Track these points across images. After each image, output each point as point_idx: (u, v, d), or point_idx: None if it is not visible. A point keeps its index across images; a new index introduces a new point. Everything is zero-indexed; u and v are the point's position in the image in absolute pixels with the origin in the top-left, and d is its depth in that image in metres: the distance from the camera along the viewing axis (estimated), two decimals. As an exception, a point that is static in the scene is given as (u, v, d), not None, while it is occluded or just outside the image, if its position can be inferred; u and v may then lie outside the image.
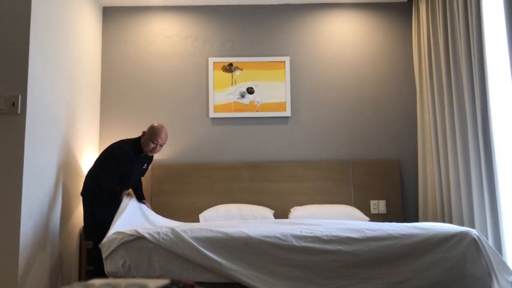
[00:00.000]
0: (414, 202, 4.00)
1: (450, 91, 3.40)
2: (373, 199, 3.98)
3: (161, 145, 3.23)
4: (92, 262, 3.27)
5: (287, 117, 4.15)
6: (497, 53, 2.90)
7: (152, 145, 3.17)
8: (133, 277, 2.39)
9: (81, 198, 3.72)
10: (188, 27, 4.28)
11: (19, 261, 2.62)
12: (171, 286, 0.84)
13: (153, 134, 3.17)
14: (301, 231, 2.49)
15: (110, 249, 2.50)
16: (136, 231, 2.53)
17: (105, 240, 2.59)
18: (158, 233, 2.48)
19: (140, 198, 3.41)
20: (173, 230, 2.49)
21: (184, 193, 3.97)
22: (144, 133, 3.25)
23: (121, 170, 3.14)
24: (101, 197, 3.10)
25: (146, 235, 2.47)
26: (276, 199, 3.95)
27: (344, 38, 4.27)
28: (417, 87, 3.99)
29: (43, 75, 2.97)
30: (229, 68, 4.18)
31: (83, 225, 3.30)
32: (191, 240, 2.41)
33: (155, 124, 3.24)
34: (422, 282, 2.33)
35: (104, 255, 2.55)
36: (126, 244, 2.47)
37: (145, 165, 3.35)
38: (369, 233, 2.46)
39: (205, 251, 2.37)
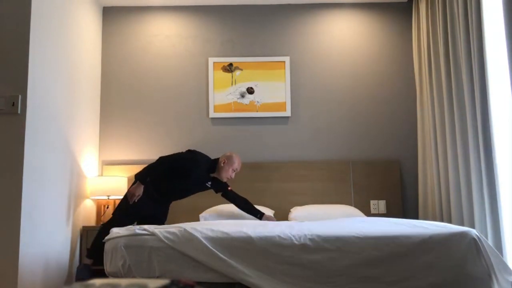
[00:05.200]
0: (414, 202, 4.00)
1: (450, 91, 3.40)
2: (373, 199, 3.98)
3: None
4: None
5: (287, 117, 4.15)
6: (497, 53, 2.90)
7: (233, 174, 3.33)
8: (133, 277, 2.39)
9: (81, 198, 3.72)
10: (188, 27, 4.27)
11: (19, 261, 2.62)
12: (171, 286, 0.84)
13: (235, 164, 3.31)
14: (301, 230, 2.49)
15: (115, 244, 2.49)
16: (145, 228, 2.53)
17: (109, 236, 2.59)
18: (168, 231, 2.49)
19: (256, 213, 3.40)
20: (185, 230, 2.49)
21: (184, 193, 3.96)
22: (224, 161, 3.27)
23: (181, 174, 3.19)
24: (146, 191, 3.12)
25: (157, 232, 2.47)
26: (276, 199, 3.94)
27: (344, 38, 4.27)
28: (417, 87, 3.99)
29: (43, 75, 2.97)
30: (229, 68, 4.18)
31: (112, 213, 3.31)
32: (203, 240, 2.41)
33: (235, 154, 3.35)
34: (422, 282, 2.32)
35: (106, 249, 2.54)
36: (126, 244, 2.47)
37: (209, 183, 3.36)
38: (368, 232, 2.46)
39: (213, 249, 2.37)
